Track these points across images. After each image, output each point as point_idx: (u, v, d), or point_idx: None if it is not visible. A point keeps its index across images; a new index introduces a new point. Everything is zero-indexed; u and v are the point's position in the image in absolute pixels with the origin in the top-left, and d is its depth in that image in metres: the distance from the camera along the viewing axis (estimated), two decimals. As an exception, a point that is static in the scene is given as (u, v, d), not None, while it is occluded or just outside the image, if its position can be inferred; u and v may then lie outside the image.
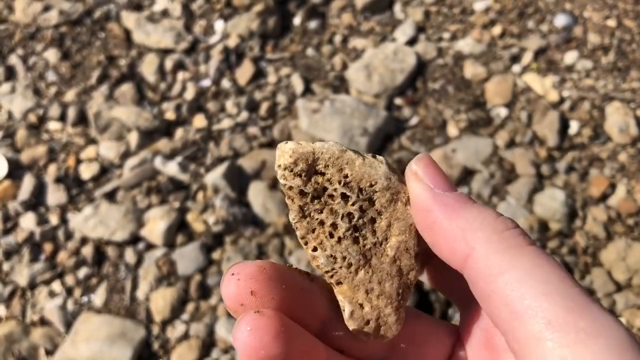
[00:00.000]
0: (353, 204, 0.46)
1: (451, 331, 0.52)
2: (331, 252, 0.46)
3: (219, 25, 2.30)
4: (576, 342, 0.33)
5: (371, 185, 0.46)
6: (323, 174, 0.46)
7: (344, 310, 0.47)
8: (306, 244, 0.46)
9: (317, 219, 0.46)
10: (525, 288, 0.36)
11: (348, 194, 0.46)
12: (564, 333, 0.34)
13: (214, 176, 1.86)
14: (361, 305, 0.47)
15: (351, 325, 0.47)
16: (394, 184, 0.47)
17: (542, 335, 0.34)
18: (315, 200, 0.46)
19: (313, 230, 0.46)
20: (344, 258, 0.46)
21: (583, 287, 0.37)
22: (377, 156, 0.47)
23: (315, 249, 0.46)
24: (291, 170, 0.45)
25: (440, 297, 1.66)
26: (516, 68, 2.11)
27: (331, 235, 0.46)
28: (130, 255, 1.79)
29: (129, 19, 2.31)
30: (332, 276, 0.47)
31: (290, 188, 0.45)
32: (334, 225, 0.46)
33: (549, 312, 0.35)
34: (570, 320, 0.34)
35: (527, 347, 0.35)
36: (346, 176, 0.45)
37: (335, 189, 0.46)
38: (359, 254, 0.46)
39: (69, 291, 1.75)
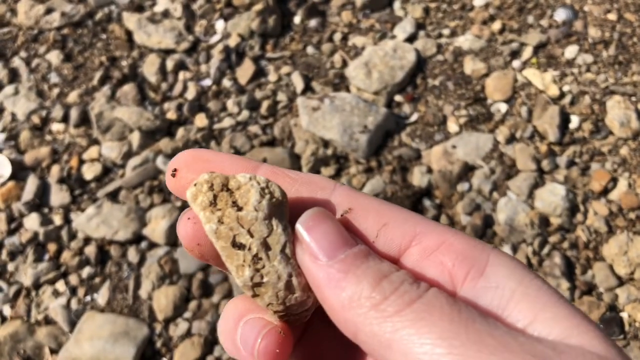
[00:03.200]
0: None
1: None
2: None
3: (219, 24, 2.31)
4: None
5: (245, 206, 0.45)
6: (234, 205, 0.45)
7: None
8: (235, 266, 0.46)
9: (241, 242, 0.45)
10: (411, 357, 0.35)
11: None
12: None
13: (215, 175, 1.87)
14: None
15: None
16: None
17: None
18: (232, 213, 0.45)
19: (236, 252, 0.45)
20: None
21: (477, 324, 0.35)
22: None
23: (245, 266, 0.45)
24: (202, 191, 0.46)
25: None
26: (516, 63, 2.10)
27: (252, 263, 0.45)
28: (132, 255, 1.80)
29: (130, 20, 2.33)
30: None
31: (204, 207, 0.46)
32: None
33: None
34: None
35: None
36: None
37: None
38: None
39: (73, 290, 1.77)
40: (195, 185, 0.45)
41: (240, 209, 0.44)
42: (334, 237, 0.41)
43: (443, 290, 0.40)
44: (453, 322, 0.35)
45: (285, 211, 0.46)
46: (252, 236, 0.44)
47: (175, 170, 0.48)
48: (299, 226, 0.42)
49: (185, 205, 1.87)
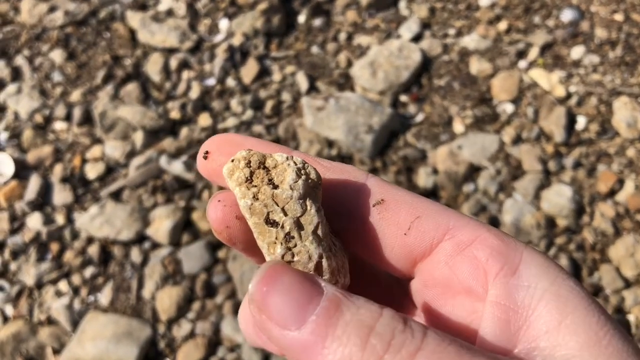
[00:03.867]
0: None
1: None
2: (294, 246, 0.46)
3: (223, 23, 2.30)
4: None
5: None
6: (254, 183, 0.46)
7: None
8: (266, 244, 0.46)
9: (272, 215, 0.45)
10: None
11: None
12: None
13: (219, 175, 1.85)
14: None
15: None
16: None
17: None
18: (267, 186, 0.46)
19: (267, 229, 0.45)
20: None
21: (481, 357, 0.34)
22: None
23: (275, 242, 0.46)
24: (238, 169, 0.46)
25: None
26: (522, 64, 2.09)
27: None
28: (136, 255, 1.79)
29: (134, 18, 2.31)
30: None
31: (240, 184, 0.46)
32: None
33: None
34: None
35: None
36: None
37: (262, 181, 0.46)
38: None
39: (76, 290, 1.75)
40: (232, 161, 0.46)
41: (275, 187, 0.45)
42: (296, 294, 0.36)
43: (475, 282, 0.40)
44: None
45: (319, 194, 0.46)
46: (285, 214, 0.44)
47: (207, 152, 0.48)
48: (253, 292, 0.37)
49: (186, 205, 1.86)
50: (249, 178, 0.45)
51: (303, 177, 0.45)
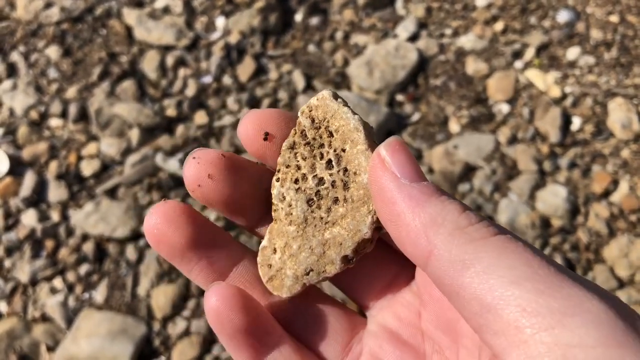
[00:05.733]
0: (331, 175, 0.48)
1: None
2: (285, 192, 0.49)
3: (220, 21, 2.30)
4: (553, 324, 0.33)
5: (355, 174, 0.47)
6: (331, 135, 0.48)
7: (263, 240, 0.51)
8: (277, 171, 0.50)
9: (298, 162, 0.49)
10: (493, 279, 0.35)
11: (334, 164, 0.48)
12: (540, 317, 0.33)
13: (215, 173, 1.85)
14: (274, 250, 0.50)
15: (258, 257, 0.51)
16: None
17: (519, 323, 0.34)
18: (307, 147, 0.48)
19: (287, 166, 0.49)
20: (290, 205, 0.49)
21: (556, 265, 0.37)
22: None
23: (277, 180, 0.49)
24: (310, 110, 0.49)
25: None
26: (518, 64, 2.10)
27: (296, 181, 0.49)
28: (131, 252, 1.79)
29: (131, 15, 2.31)
30: (274, 210, 0.50)
31: (299, 123, 0.49)
32: (304, 177, 0.48)
33: (521, 299, 0.34)
34: (543, 304, 0.34)
35: (506, 337, 0.35)
36: (344, 150, 0.47)
37: (328, 153, 0.48)
38: (303, 212, 0.48)
39: (70, 288, 1.75)
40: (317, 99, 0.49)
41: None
42: (413, 165, 0.42)
43: None
44: (536, 255, 0.36)
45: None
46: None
47: (268, 134, 0.49)
48: (382, 149, 0.43)
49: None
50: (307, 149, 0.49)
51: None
